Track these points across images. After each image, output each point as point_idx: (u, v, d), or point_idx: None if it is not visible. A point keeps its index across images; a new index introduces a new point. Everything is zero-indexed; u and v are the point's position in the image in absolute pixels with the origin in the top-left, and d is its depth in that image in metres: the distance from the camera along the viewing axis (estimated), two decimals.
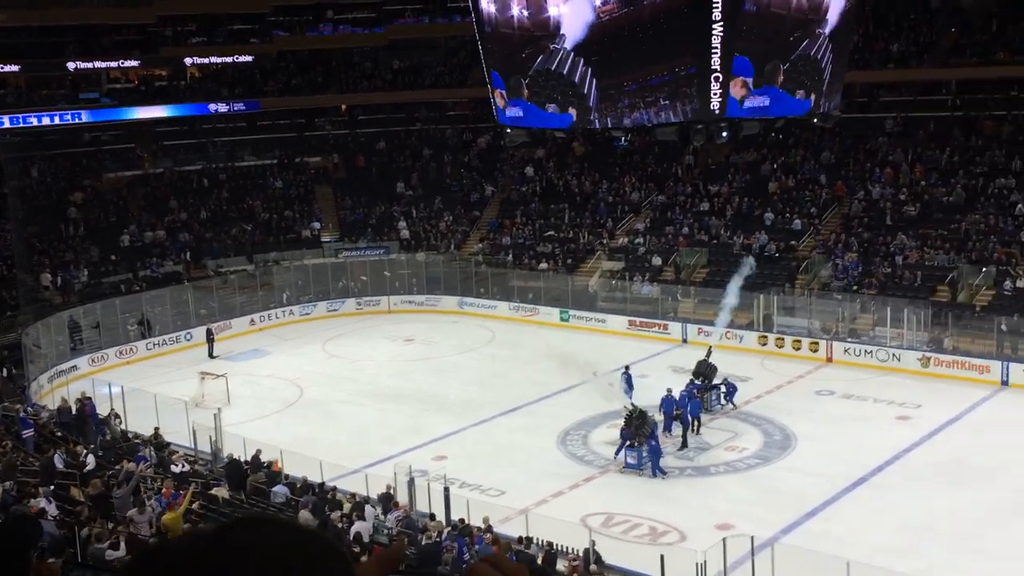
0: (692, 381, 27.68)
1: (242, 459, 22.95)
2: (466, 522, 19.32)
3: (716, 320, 33.18)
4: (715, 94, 17.08)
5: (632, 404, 25.11)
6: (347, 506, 19.92)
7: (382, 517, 19.90)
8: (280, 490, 21.15)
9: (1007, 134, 38.92)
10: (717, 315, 33.12)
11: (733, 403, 27.96)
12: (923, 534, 20.16)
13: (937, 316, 32.28)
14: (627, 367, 28.51)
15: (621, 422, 25.16)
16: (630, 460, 24.07)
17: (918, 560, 18.45)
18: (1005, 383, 29.29)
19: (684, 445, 25.20)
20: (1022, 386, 28.90)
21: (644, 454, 23.87)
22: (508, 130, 20.28)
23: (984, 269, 33.54)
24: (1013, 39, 39.88)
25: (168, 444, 24.10)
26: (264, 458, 22.80)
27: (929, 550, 19.31)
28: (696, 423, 26.15)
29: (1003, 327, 30.78)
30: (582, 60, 17.15)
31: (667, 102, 17.17)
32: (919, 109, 42.11)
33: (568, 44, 17.11)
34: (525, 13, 17.58)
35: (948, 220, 36.37)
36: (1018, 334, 30.68)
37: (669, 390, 26.25)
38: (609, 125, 18.19)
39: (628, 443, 24.17)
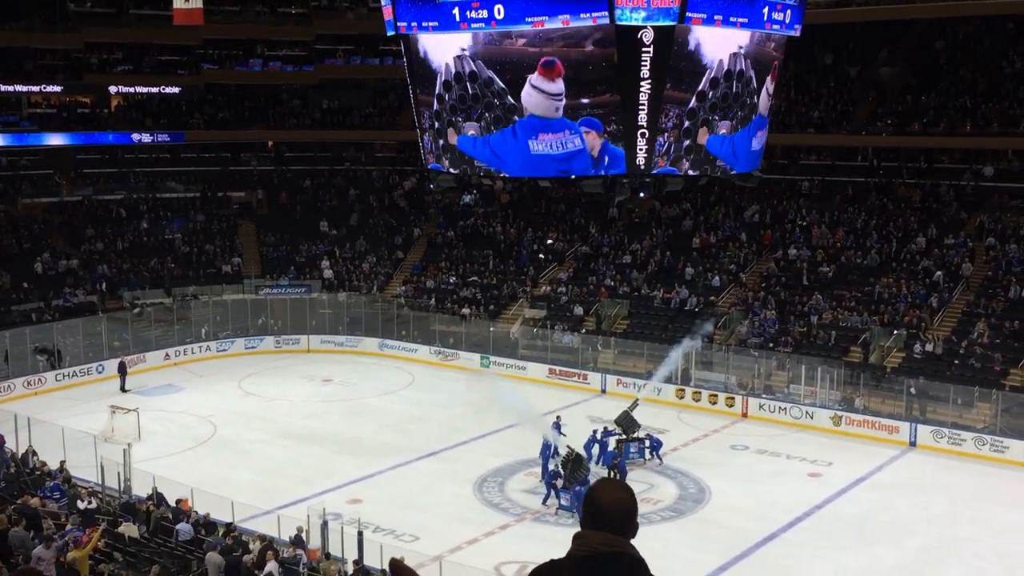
0: (606, 429, 27.91)
1: (145, 495, 22.48)
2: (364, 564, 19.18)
3: (654, 374, 33.65)
4: (640, 150, 17.37)
5: (569, 447, 25.42)
6: (255, 545, 19.52)
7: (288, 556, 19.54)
8: (184, 528, 20.65)
9: (919, 200, 40.25)
10: (657, 369, 33.62)
11: (659, 457, 28.15)
12: None
13: (849, 376, 33.04)
14: (558, 417, 28.77)
15: (539, 470, 25.49)
16: (563, 502, 24.17)
17: None
18: (913, 444, 30.01)
19: None
20: (929, 447, 29.63)
21: (580, 494, 24.04)
22: (436, 179, 20.38)
23: (896, 332, 34.45)
24: (927, 111, 41.36)
25: (71, 478, 23.39)
26: (174, 495, 22.31)
27: None
28: (610, 474, 26.30)
29: (912, 390, 31.58)
30: None
31: None
32: (837, 173, 43.37)
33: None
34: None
35: (862, 282, 37.34)
36: (927, 396, 31.49)
37: (545, 436, 26.53)
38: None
39: (562, 485, 24.31)
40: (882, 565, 21.71)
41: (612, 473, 26.16)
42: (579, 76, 16.30)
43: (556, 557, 3.32)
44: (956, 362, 32.69)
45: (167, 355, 38.93)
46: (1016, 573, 21.50)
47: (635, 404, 29.20)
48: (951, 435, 29.63)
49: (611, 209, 45.28)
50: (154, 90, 49.57)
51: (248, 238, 47.67)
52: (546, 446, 26.34)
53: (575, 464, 24.75)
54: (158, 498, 22.29)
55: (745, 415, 32.92)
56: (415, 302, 43.30)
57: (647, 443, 28.27)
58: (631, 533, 3.20)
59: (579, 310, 40.14)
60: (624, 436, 27.95)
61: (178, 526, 20.70)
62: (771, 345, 35.56)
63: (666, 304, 39.32)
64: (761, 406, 32.93)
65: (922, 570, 21.60)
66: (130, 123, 48.41)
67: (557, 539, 22.90)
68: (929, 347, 33.39)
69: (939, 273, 36.12)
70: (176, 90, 49.96)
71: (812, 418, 31.85)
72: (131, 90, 49.70)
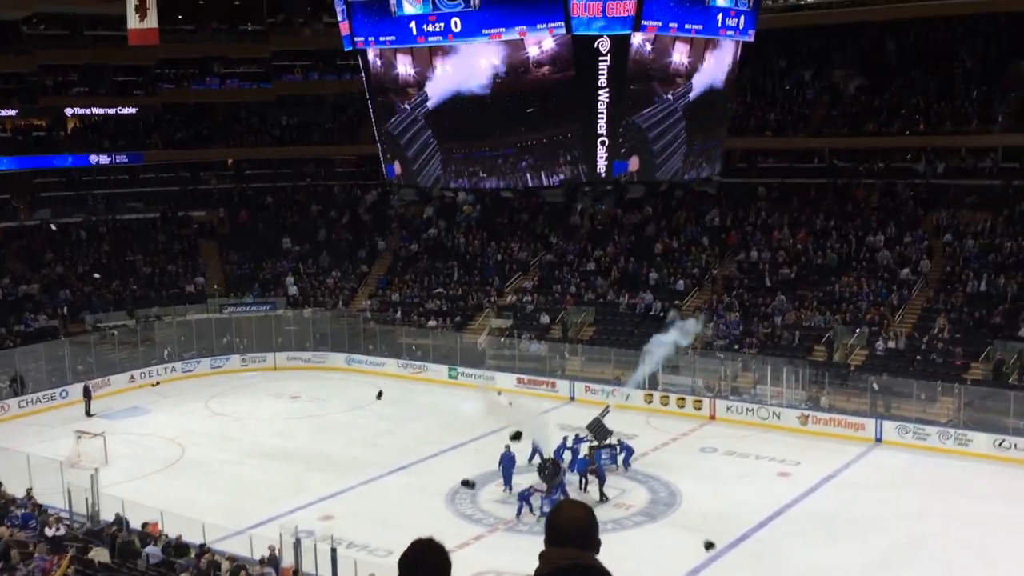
0: (577, 436, 27.97)
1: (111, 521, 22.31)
2: None
3: (627, 380, 33.88)
4: (601, 158, 17.50)
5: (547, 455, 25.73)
6: (225, 565, 19.40)
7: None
8: (152, 551, 20.50)
9: (876, 200, 40.74)
10: (632, 375, 33.90)
11: (626, 465, 28.12)
12: None
13: (814, 375, 33.37)
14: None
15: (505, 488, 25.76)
16: (547, 508, 24.19)
17: None
18: (879, 440, 30.36)
19: (602, 499, 25.44)
20: (895, 443, 29.99)
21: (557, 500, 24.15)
22: (399, 193, 20.47)
23: (858, 330, 34.84)
24: (881, 112, 41.91)
25: (39, 506, 23.14)
26: (143, 519, 22.15)
27: None
28: (583, 480, 26.46)
29: (875, 386, 31.96)
30: (424, 122, 17.55)
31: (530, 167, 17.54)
32: (795, 176, 43.81)
33: (430, 103, 17.36)
34: (412, 72, 17.76)
35: (823, 282, 37.73)
36: (890, 393, 31.88)
37: (507, 446, 26.59)
38: (450, 185, 18.79)
39: (544, 492, 24.47)
40: (852, 562, 21.92)
41: (585, 479, 26.35)
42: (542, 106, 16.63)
43: (526, 574, 3.42)
44: (918, 358, 33.13)
45: (132, 377, 38.57)
46: (984, 564, 21.79)
47: (606, 411, 29.30)
48: (916, 430, 30.01)
49: (573, 217, 45.49)
50: (111, 111, 49.30)
51: (210, 257, 47.40)
52: (506, 457, 26.35)
53: (553, 470, 25.01)
54: (121, 522, 22.07)
55: (713, 417, 33.15)
56: (381, 316, 43.24)
57: (618, 449, 28.34)
58: (593, 548, 3.30)
59: (545, 318, 40.26)
60: (596, 443, 28.03)
61: (146, 549, 20.55)
62: (736, 347, 35.85)
63: (631, 309, 39.54)
64: (728, 408, 33.18)
65: (892, 565, 21.86)
66: (87, 145, 48.01)
67: (531, 549, 22.87)
68: (891, 344, 33.81)
69: (906, 271, 36.51)
70: (133, 110, 49.72)
71: (779, 418, 32.13)
72: (87, 111, 49.37)
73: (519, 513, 24.69)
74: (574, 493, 25.53)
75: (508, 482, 26.27)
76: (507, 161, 17.53)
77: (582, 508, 3.41)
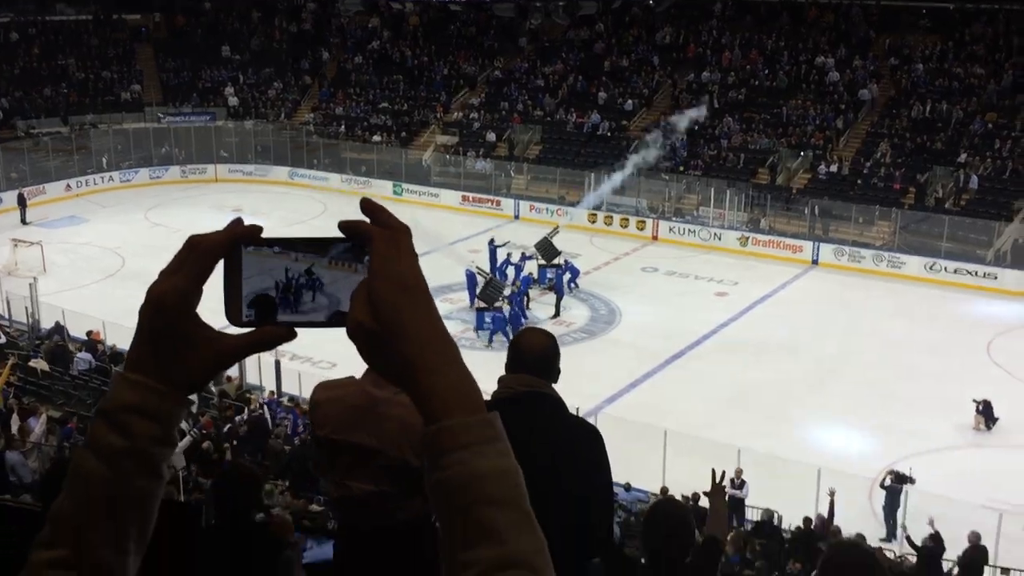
0: (523, 254, 28.11)
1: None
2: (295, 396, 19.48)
3: (580, 201, 33.95)
4: None
5: (486, 273, 26.02)
6: None
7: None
8: (84, 357, 20.59)
9: (829, 21, 40.18)
10: (584, 196, 33.99)
11: (574, 285, 28.31)
12: (734, 403, 21.37)
13: (757, 197, 33.68)
14: (492, 240, 28.94)
15: (456, 296, 25.83)
16: (505, 328, 24.53)
17: (729, 427, 19.59)
18: (815, 262, 31.03)
19: (556, 314, 25.97)
20: (831, 265, 30.68)
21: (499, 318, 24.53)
22: (344, 2, 19.77)
23: (802, 153, 35.00)
24: None
25: None
26: (85, 328, 22.16)
27: (739, 418, 20.52)
28: (527, 299, 26.78)
29: (815, 210, 32.39)
30: None
31: None
32: None
33: None
34: None
35: (772, 104, 37.55)
36: (829, 216, 32.37)
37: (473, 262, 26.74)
38: None
39: (484, 308, 24.86)
40: (780, 378, 22.63)
41: (528, 297, 26.63)
42: None
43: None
44: (859, 182, 33.48)
45: (68, 186, 37.80)
46: (906, 381, 22.63)
47: (555, 231, 29.41)
48: (852, 252, 30.69)
49: (522, 39, 44.39)
50: None
51: (147, 63, 45.78)
52: (469, 275, 26.41)
53: (487, 286, 25.32)
54: (60, 330, 22.09)
55: (655, 238, 33.51)
56: (324, 129, 42.47)
57: (563, 269, 28.53)
58: (552, 377, 3.32)
59: (491, 136, 39.83)
60: (544, 262, 28.24)
61: (78, 355, 20.61)
62: (681, 168, 35.89)
63: (579, 129, 39.20)
64: (671, 228, 33.52)
65: (817, 382, 22.61)
66: None
67: (471, 363, 23.28)
68: (834, 168, 34.07)
69: (864, 91, 36.33)
70: None
71: (720, 239, 32.57)
72: None
73: (487, 335, 24.78)
74: None
75: (472, 298, 26.44)
76: None
77: (545, 337, 3.41)
